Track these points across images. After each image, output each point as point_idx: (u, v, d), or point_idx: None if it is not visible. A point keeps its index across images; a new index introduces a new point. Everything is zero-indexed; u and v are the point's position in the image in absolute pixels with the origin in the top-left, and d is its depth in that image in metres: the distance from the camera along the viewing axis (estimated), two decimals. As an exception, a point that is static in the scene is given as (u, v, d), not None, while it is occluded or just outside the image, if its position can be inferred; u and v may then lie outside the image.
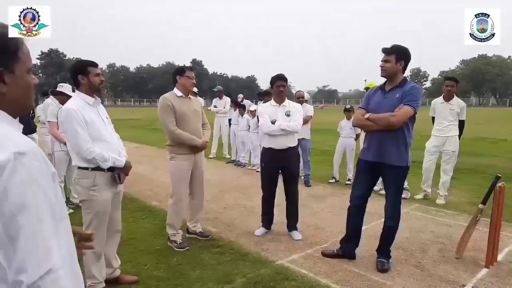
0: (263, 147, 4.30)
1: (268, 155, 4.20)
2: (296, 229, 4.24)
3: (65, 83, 5.08)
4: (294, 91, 7.18)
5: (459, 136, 5.55)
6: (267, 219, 4.34)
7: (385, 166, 3.32)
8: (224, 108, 9.64)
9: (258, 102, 9.90)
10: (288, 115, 4.13)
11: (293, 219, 4.26)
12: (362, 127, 3.63)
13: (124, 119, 25.94)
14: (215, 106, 9.65)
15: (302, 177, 6.67)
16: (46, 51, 75.30)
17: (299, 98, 6.68)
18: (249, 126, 8.36)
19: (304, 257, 3.67)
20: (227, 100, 9.81)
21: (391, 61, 3.26)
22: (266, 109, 4.25)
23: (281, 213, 4.47)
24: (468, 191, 6.22)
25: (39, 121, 6.84)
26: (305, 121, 6.52)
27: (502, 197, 3.50)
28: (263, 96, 7.43)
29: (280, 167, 4.20)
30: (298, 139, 6.51)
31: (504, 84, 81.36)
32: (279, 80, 4.15)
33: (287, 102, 4.25)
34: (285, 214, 4.31)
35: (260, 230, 4.29)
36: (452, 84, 5.44)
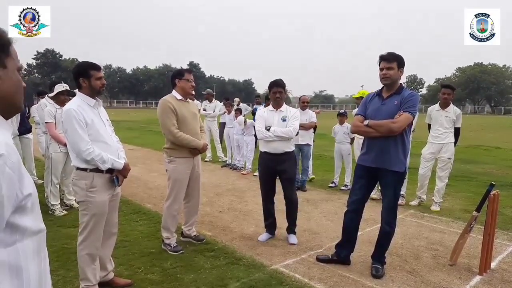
0: (260, 151, 4.31)
1: (265, 159, 4.20)
2: (294, 233, 4.25)
3: (61, 82, 5.05)
4: (291, 96, 7.16)
5: (455, 143, 5.60)
6: (270, 223, 4.33)
7: (384, 171, 3.35)
8: (213, 112, 9.58)
9: (254, 106, 9.89)
10: (284, 120, 4.13)
11: (291, 222, 4.27)
12: (362, 133, 3.62)
13: (120, 120, 25.85)
14: (204, 110, 9.50)
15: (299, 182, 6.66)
16: (42, 51, 74.86)
17: (304, 103, 6.68)
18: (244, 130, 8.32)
19: (298, 262, 3.67)
20: (217, 103, 9.76)
21: (394, 69, 3.30)
22: (263, 114, 4.25)
23: (276, 217, 4.47)
24: (462, 198, 6.26)
25: (34, 121, 6.81)
26: (309, 127, 6.53)
27: (496, 204, 3.53)
28: (259, 99, 7.40)
29: (277, 171, 4.20)
30: (301, 144, 6.53)
31: (499, 92, 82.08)
32: (275, 86, 4.15)
33: (284, 107, 4.24)
34: (285, 217, 4.31)
35: (264, 236, 4.28)
36: (448, 92, 5.49)
